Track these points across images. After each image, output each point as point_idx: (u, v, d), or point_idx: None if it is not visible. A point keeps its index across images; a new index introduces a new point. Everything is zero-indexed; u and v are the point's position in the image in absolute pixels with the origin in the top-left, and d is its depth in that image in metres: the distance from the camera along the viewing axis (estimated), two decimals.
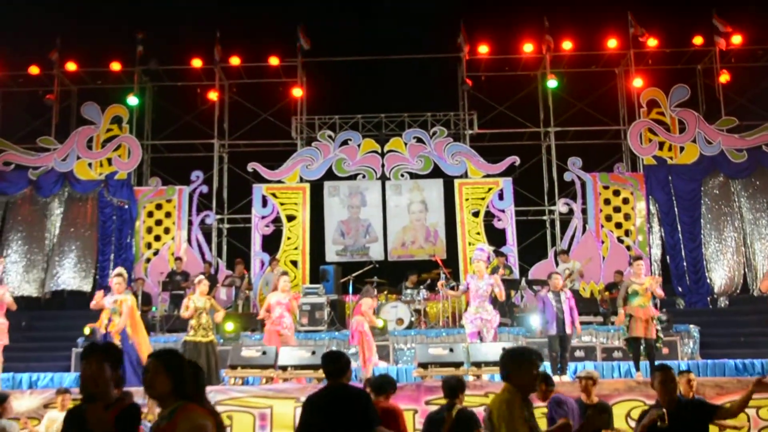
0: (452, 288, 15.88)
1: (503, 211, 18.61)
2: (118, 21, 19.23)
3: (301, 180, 18.97)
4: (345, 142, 19.14)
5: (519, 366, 4.78)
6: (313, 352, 10.72)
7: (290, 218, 18.74)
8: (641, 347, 11.53)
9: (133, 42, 19.33)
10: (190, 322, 11.77)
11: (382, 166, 18.98)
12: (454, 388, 7.01)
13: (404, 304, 15.40)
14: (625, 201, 18.80)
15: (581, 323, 12.35)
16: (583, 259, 16.86)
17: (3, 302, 11.72)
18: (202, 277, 12.60)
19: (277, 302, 12.16)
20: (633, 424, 9.15)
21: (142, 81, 19.91)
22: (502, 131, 19.81)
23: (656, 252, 18.73)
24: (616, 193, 18.85)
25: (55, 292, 18.52)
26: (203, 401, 3.99)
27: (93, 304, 11.84)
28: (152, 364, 3.97)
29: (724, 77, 18.78)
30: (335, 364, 5.69)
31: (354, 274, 16.58)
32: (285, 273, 13.71)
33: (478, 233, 18.44)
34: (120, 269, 12.52)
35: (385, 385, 7.10)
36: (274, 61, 19.70)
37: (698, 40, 19.16)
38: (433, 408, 7.47)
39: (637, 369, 11.60)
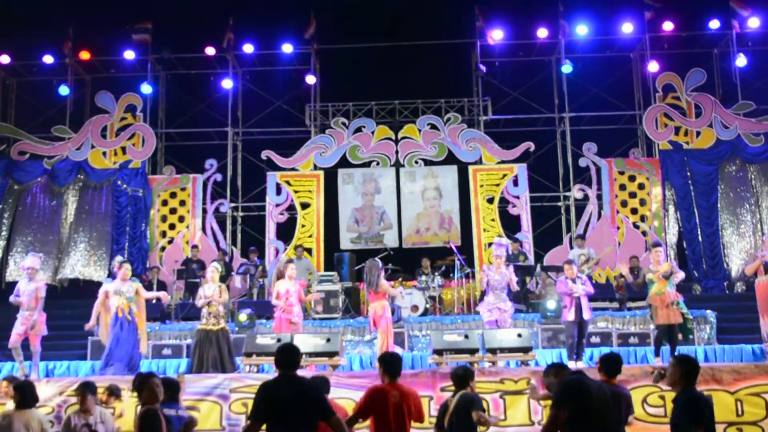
0: (467, 276, 15.99)
1: (518, 197, 18.53)
2: (130, 9, 19.20)
3: (315, 167, 18.95)
4: (359, 129, 19.10)
5: None
6: (328, 340, 10.69)
7: (304, 206, 18.74)
8: (663, 333, 11.46)
9: (145, 30, 19.32)
10: (202, 310, 11.82)
11: (396, 152, 18.92)
12: (462, 377, 7.01)
13: (419, 291, 15.39)
14: (641, 186, 18.68)
15: (598, 309, 12.28)
16: (601, 247, 16.78)
17: (39, 296, 11.97)
18: (213, 264, 12.57)
19: (287, 290, 12.10)
20: (650, 410, 9.11)
21: (155, 69, 19.91)
22: (517, 117, 19.71)
23: (672, 237, 18.58)
24: (632, 178, 18.73)
25: (71, 281, 18.58)
26: None
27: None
28: None
29: (740, 61, 18.58)
30: (294, 357, 5.64)
31: None
32: (291, 260, 13.56)
33: (493, 219, 18.38)
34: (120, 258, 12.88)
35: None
36: (287, 48, 19.63)
37: (715, 24, 18.96)
38: (448, 395, 7.45)
39: (657, 354, 11.55)
